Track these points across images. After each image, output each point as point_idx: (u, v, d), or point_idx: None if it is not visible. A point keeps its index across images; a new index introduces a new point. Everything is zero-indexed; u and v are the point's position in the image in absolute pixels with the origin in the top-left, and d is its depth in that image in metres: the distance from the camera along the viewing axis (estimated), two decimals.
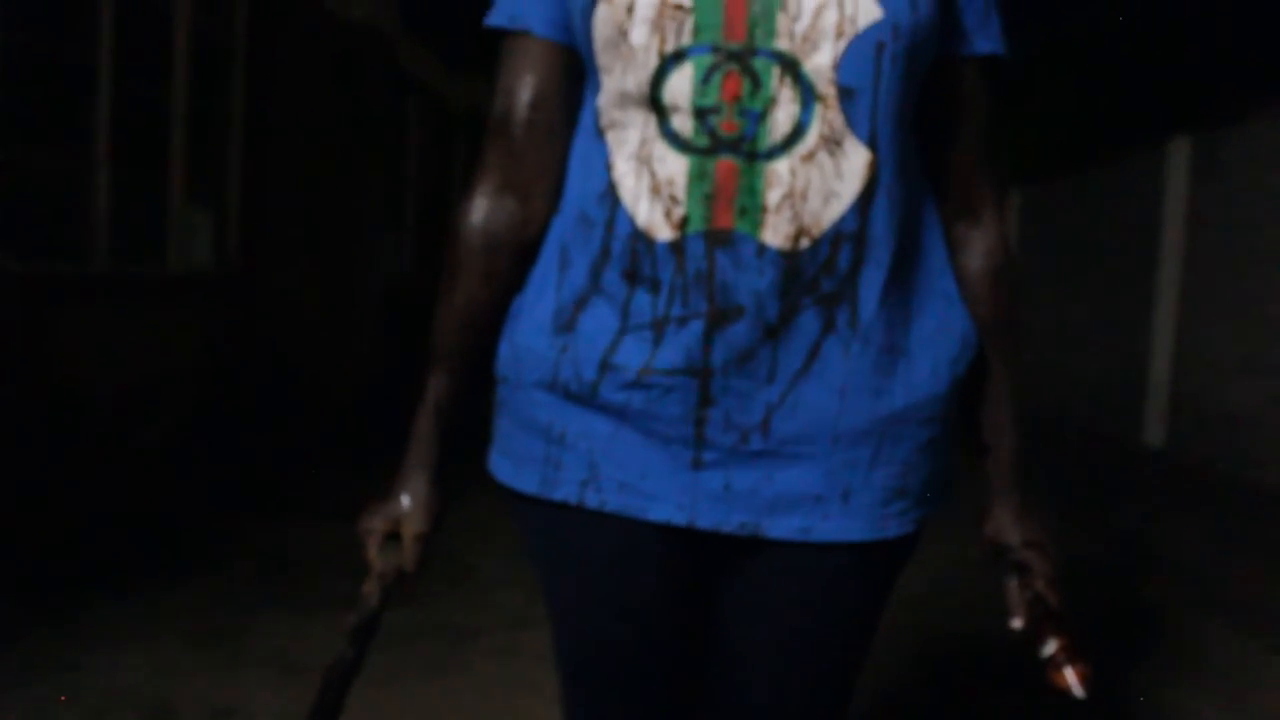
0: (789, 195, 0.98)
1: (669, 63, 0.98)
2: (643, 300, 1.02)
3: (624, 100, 1.02)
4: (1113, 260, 8.30)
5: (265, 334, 5.88)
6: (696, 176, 0.99)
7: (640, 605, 1.12)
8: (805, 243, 0.99)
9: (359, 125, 7.08)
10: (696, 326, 1.00)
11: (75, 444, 4.18)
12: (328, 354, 6.73)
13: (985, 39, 1.11)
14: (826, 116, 0.98)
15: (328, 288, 6.74)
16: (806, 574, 1.09)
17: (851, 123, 0.98)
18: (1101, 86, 9.61)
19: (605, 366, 1.04)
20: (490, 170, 1.13)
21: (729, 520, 1.05)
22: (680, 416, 1.02)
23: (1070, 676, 1.06)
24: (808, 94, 0.97)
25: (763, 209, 0.98)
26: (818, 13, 0.96)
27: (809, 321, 1.00)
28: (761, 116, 0.97)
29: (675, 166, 0.99)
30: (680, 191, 0.99)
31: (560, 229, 1.11)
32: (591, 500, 1.07)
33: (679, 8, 0.97)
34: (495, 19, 1.13)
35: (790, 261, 0.98)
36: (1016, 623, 1.13)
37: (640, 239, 1.01)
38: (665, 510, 1.05)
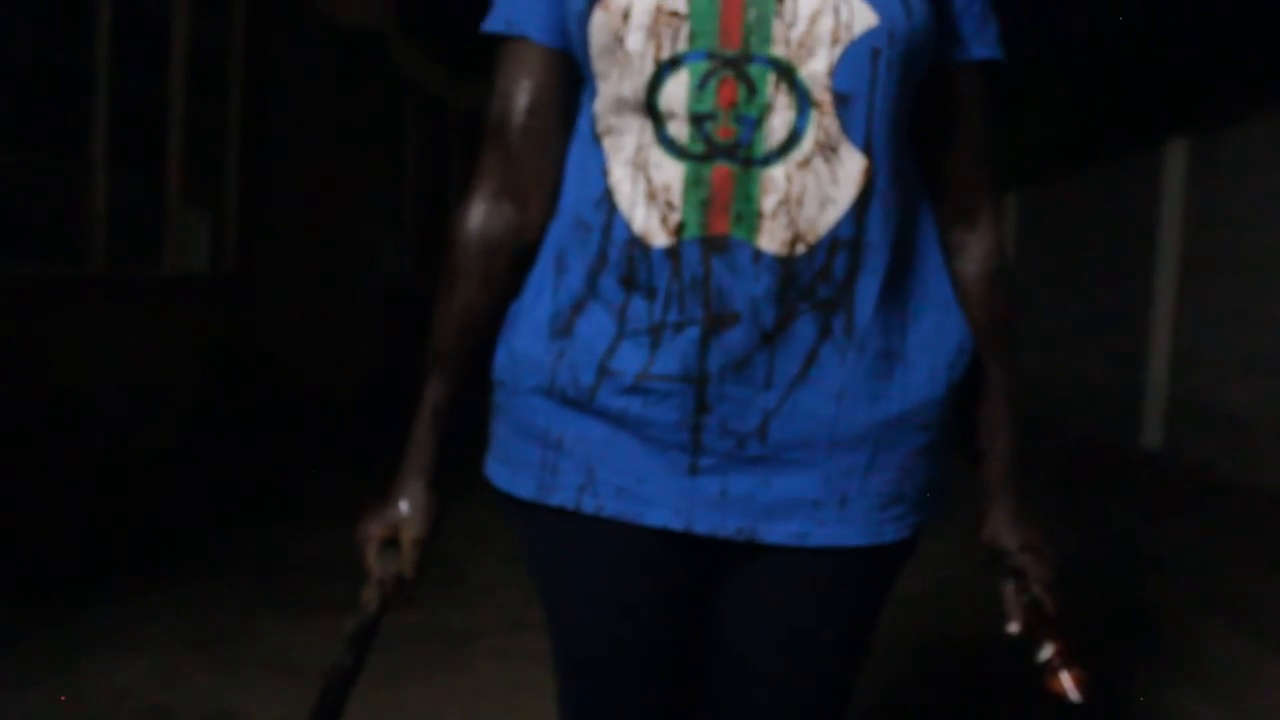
0: (785, 201, 0.98)
1: (665, 69, 0.98)
2: (639, 306, 1.02)
3: (620, 106, 1.02)
4: (1110, 261, 8.30)
5: (263, 335, 5.89)
6: (692, 183, 0.99)
7: (637, 610, 1.12)
8: (801, 249, 0.99)
9: (356, 127, 7.09)
10: (693, 333, 1.00)
11: (73, 446, 4.18)
12: (326, 355, 6.73)
13: (982, 45, 1.11)
14: (822, 123, 0.98)
15: (326, 289, 6.74)
16: (803, 579, 1.09)
17: (847, 129, 0.99)
18: (1099, 88, 9.62)
19: (603, 372, 1.04)
20: (487, 175, 1.13)
21: (726, 525, 1.05)
22: (677, 422, 1.02)
23: (1066, 681, 1.06)
24: (803, 100, 0.97)
25: (758, 215, 0.98)
26: (813, 19, 0.96)
27: (805, 328, 1.01)
28: (757, 123, 0.97)
29: (671, 173, 0.99)
30: (676, 198, 0.99)
31: (557, 234, 1.11)
32: (588, 505, 1.07)
33: (675, 14, 0.97)
34: (492, 25, 1.13)
35: (786, 268, 0.99)
36: (1013, 627, 1.13)
37: (637, 245, 1.01)
38: (662, 515, 1.05)
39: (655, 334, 1.01)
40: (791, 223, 0.98)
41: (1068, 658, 1.07)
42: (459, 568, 3.71)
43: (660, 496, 1.05)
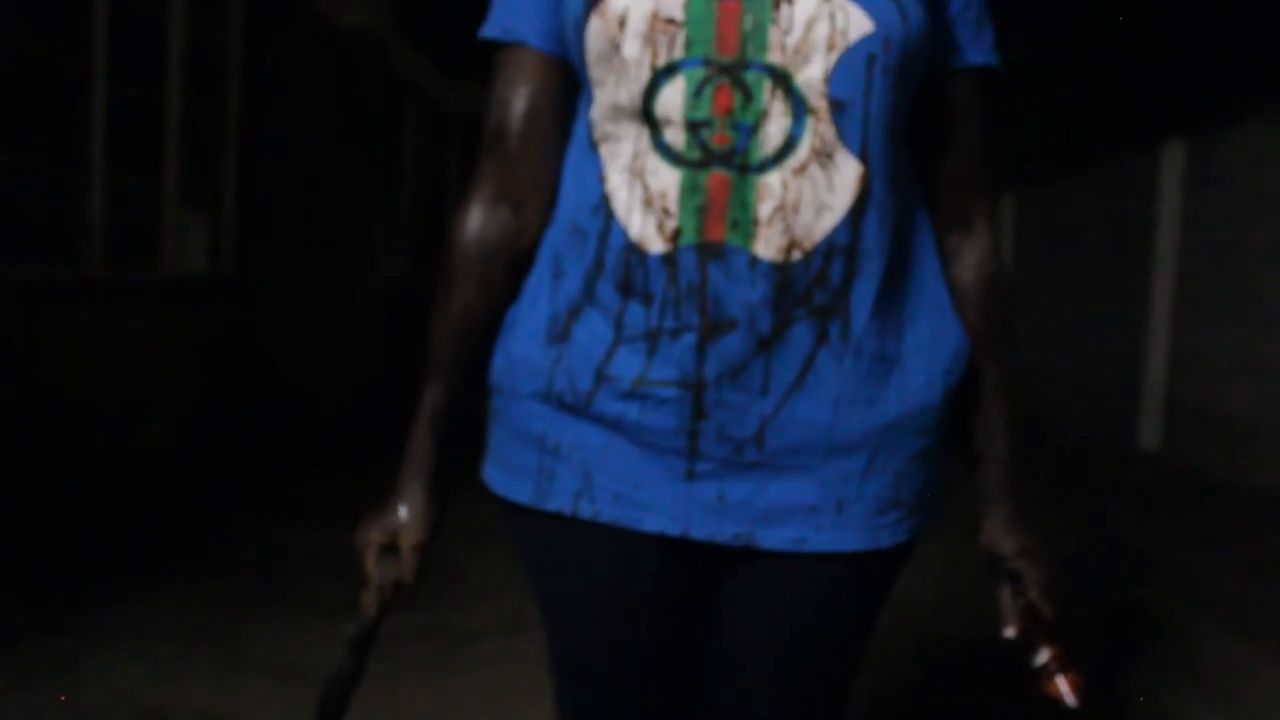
0: (781, 208, 0.98)
1: (661, 76, 0.98)
2: (636, 312, 1.02)
3: (616, 113, 1.02)
4: (1108, 263, 8.31)
5: (261, 337, 5.89)
6: (688, 189, 0.99)
7: (634, 615, 1.12)
8: (797, 255, 0.99)
9: (354, 129, 7.09)
10: (689, 339, 1.00)
11: (72, 447, 4.18)
12: (324, 357, 6.73)
13: (977, 51, 1.11)
14: (818, 129, 0.98)
15: (324, 291, 6.74)
16: (801, 584, 1.10)
17: (843, 135, 0.99)
18: (1096, 90, 9.62)
19: (600, 377, 1.04)
20: (485, 180, 1.13)
21: (723, 531, 1.05)
22: (674, 428, 1.02)
23: (1063, 685, 1.06)
24: (799, 107, 0.97)
25: (754, 222, 0.98)
26: (809, 26, 0.97)
27: (802, 334, 1.01)
28: (753, 129, 0.97)
29: (667, 179, 1.00)
30: (672, 204, 1.00)
31: (553, 239, 1.11)
32: (585, 511, 1.07)
33: (671, 21, 0.97)
34: (489, 30, 1.13)
35: (782, 274, 0.99)
36: (1009, 631, 1.13)
37: (633, 251, 1.01)
38: (659, 521, 1.05)
39: (652, 340, 1.02)
40: (787, 229, 0.98)
41: (1064, 662, 1.08)
42: (459, 570, 3.71)
43: (657, 502, 1.05)
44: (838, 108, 0.98)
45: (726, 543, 1.05)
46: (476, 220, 1.13)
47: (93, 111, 4.43)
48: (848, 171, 0.99)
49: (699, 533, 1.05)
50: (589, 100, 1.07)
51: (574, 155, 1.10)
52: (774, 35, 0.97)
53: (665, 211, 1.00)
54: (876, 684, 2.92)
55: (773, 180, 0.98)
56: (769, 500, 1.04)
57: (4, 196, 4.04)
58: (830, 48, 0.97)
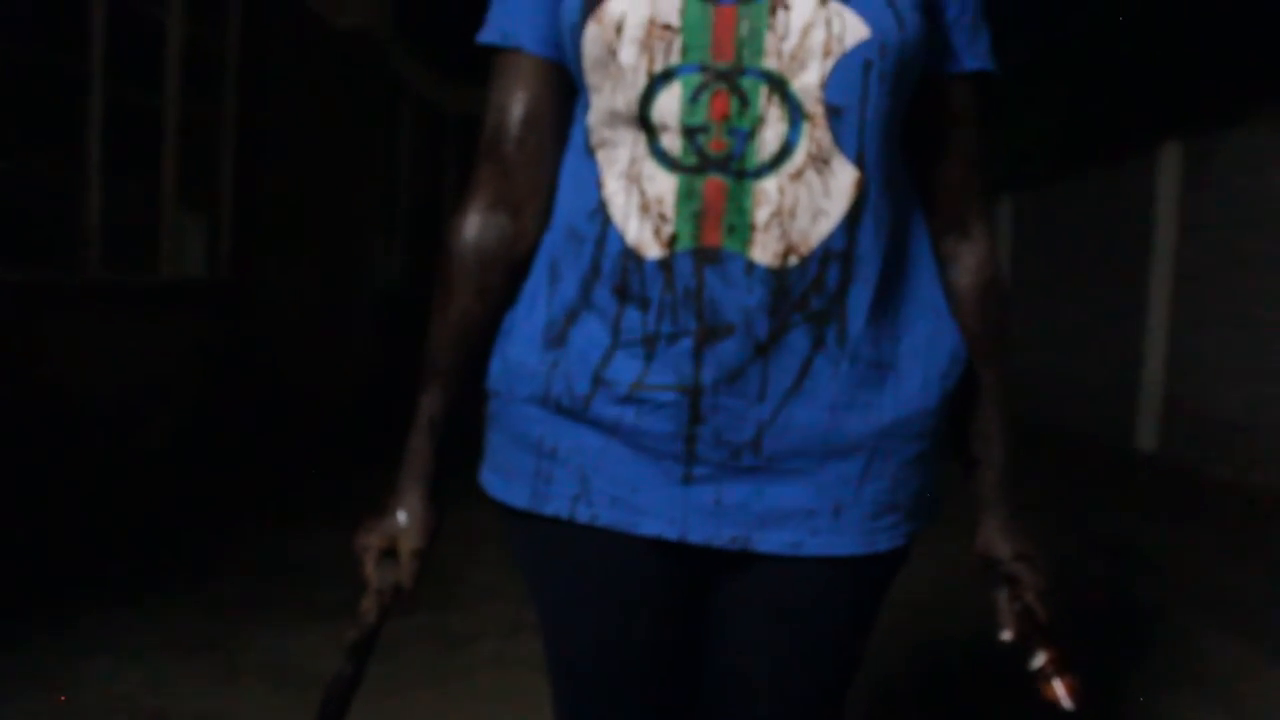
0: (777, 213, 0.98)
1: (657, 82, 0.98)
2: (633, 317, 1.02)
3: (613, 119, 1.02)
4: (1105, 265, 8.32)
5: (259, 340, 5.88)
6: (685, 195, 0.99)
7: (632, 619, 1.12)
8: (794, 261, 0.99)
9: (351, 131, 7.09)
10: (686, 344, 1.00)
11: (70, 451, 4.17)
12: (322, 358, 6.73)
13: (973, 56, 1.11)
14: (814, 135, 0.98)
15: (322, 293, 6.75)
16: (798, 588, 1.10)
17: (839, 141, 0.99)
18: (1093, 91, 9.63)
19: (597, 381, 1.04)
20: (482, 186, 1.14)
21: (720, 535, 1.05)
22: (671, 433, 1.03)
23: (1059, 689, 1.07)
24: (796, 113, 0.98)
25: (751, 227, 0.98)
26: (805, 32, 0.97)
27: (799, 339, 1.01)
28: (750, 135, 0.98)
29: (664, 185, 1.00)
30: (669, 210, 1.00)
31: (550, 244, 1.12)
32: (583, 515, 1.07)
33: (667, 28, 0.97)
34: (487, 36, 1.13)
35: (779, 279, 0.99)
36: (1006, 635, 1.13)
37: (630, 257, 1.02)
38: (656, 525, 1.05)
39: (649, 345, 1.02)
40: (784, 235, 0.99)
41: (1060, 665, 1.08)
42: (458, 572, 3.71)
43: (654, 506, 1.05)
44: (834, 113, 0.98)
45: (724, 546, 1.05)
46: (474, 225, 1.13)
47: (90, 114, 4.44)
48: (844, 177, 1.00)
49: (696, 536, 1.05)
50: (586, 106, 1.07)
51: (571, 160, 1.10)
52: (770, 41, 0.97)
53: (662, 217, 1.00)
54: (875, 685, 2.92)
55: (769, 186, 0.98)
56: (766, 504, 1.04)
57: (2, 199, 4.04)
58: (827, 54, 0.97)
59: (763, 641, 1.14)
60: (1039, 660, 1.09)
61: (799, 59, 0.97)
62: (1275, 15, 6.64)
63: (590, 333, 1.05)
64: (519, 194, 1.13)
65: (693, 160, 0.99)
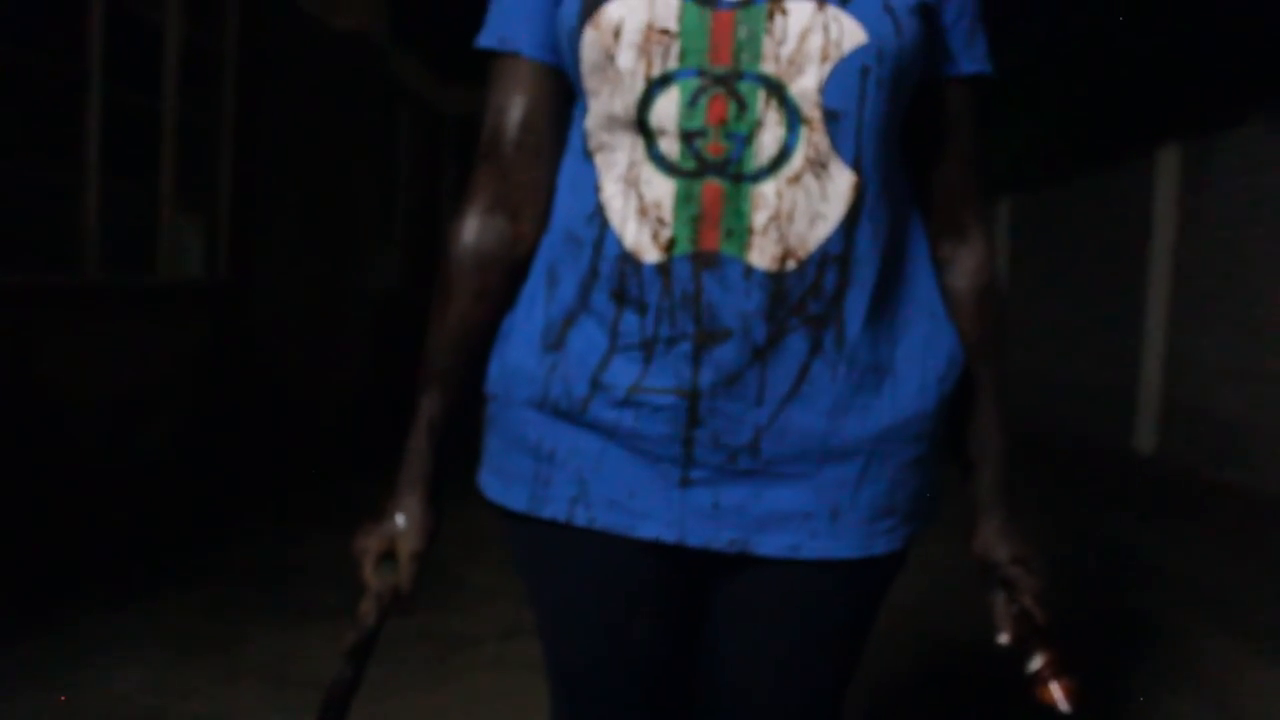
0: (775, 217, 0.99)
1: (655, 86, 0.99)
2: (631, 321, 1.03)
3: (611, 123, 1.02)
4: (1104, 267, 8.33)
5: (257, 343, 5.88)
6: (683, 199, 0.99)
7: (630, 622, 1.12)
8: (792, 264, 0.99)
9: (349, 134, 7.08)
10: (684, 348, 1.01)
11: (67, 454, 4.17)
12: (320, 361, 6.72)
13: (971, 60, 1.12)
14: (812, 139, 0.98)
15: (319, 295, 6.74)
16: (795, 591, 1.10)
17: (837, 145, 0.99)
18: (1092, 93, 9.64)
19: (595, 385, 1.05)
20: (481, 189, 1.14)
21: (718, 537, 1.05)
22: (669, 436, 1.03)
23: (1056, 691, 1.07)
24: (793, 117, 0.98)
25: (749, 231, 0.99)
26: (803, 36, 0.97)
27: (796, 343, 1.01)
28: (747, 139, 0.98)
29: (662, 189, 1.00)
30: (667, 214, 1.00)
31: (549, 247, 1.12)
32: (581, 518, 1.07)
33: (665, 32, 0.98)
34: (485, 40, 1.13)
35: (777, 283, 0.99)
36: (1004, 638, 1.13)
37: (628, 260, 1.02)
38: (654, 528, 1.06)
39: (647, 349, 1.02)
40: (782, 239, 0.99)
41: (1058, 668, 1.08)
42: (457, 574, 3.71)
43: (652, 509, 1.05)
44: (832, 118, 0.98)
45: (722, 549, 1.06)
46: (473, 229, 1.13)
47: (88, 116, 4.43)
48: (841, 181, 1.00)
49: (694, 539, 1.05)
50: (584, 110, 1.07)
51: (569, 164, 1.10)
52: (768, 46, 0.97)
53: (660, 221, 1.00)
54: (873, 686, 2.93)
55: (767, 190, 0.98)
56: (764, 507, 1.05)
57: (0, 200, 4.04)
58: (824, 58, 0.97)
59: (761, 644, 1.14)
60: (1037, 663, 1.09)
61: (797, 64, 0.97)
62: (1274, 16, 6.64)
63: (588, 336, 1.05)
64: (517, 197, 1.13)
65: (691, 164, 0.99)
